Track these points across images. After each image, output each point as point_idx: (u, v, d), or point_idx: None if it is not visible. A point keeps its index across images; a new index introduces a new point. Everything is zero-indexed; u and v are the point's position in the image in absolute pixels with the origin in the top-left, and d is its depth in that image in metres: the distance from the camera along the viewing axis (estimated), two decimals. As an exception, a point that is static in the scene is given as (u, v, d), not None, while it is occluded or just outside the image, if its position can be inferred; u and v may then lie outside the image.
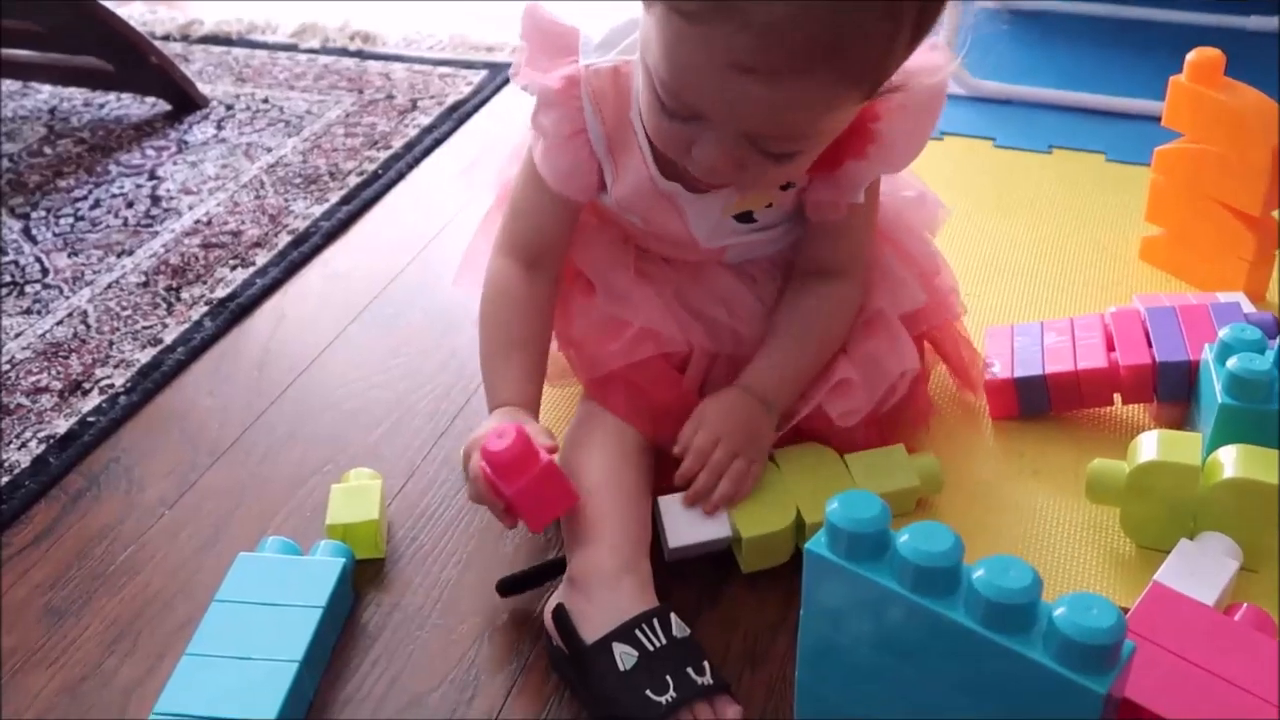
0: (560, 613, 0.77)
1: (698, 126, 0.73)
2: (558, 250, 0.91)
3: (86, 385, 1.09)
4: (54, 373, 1.10)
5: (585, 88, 0.84)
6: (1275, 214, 1.10)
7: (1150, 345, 0.96)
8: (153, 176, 1.44)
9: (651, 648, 0.74)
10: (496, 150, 1.03)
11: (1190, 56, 1.10)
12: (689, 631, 0.76)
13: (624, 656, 0.73)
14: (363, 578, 0.88)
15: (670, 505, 0.85)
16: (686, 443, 0.85)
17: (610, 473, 0.85)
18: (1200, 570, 0.80)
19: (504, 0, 1.89)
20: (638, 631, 0.74)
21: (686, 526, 0.84)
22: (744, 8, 0.65)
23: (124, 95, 1.64)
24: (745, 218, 0.88)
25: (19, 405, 1.06)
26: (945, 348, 0.99)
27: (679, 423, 0.87)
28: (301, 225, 1.33)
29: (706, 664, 0.74)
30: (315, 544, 0.87)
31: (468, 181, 1.03)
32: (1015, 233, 1.25)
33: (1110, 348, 0.98)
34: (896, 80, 0.75)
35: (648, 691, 0.72)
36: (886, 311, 0.92)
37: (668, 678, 0.72)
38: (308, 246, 1.29)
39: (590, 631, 0.76)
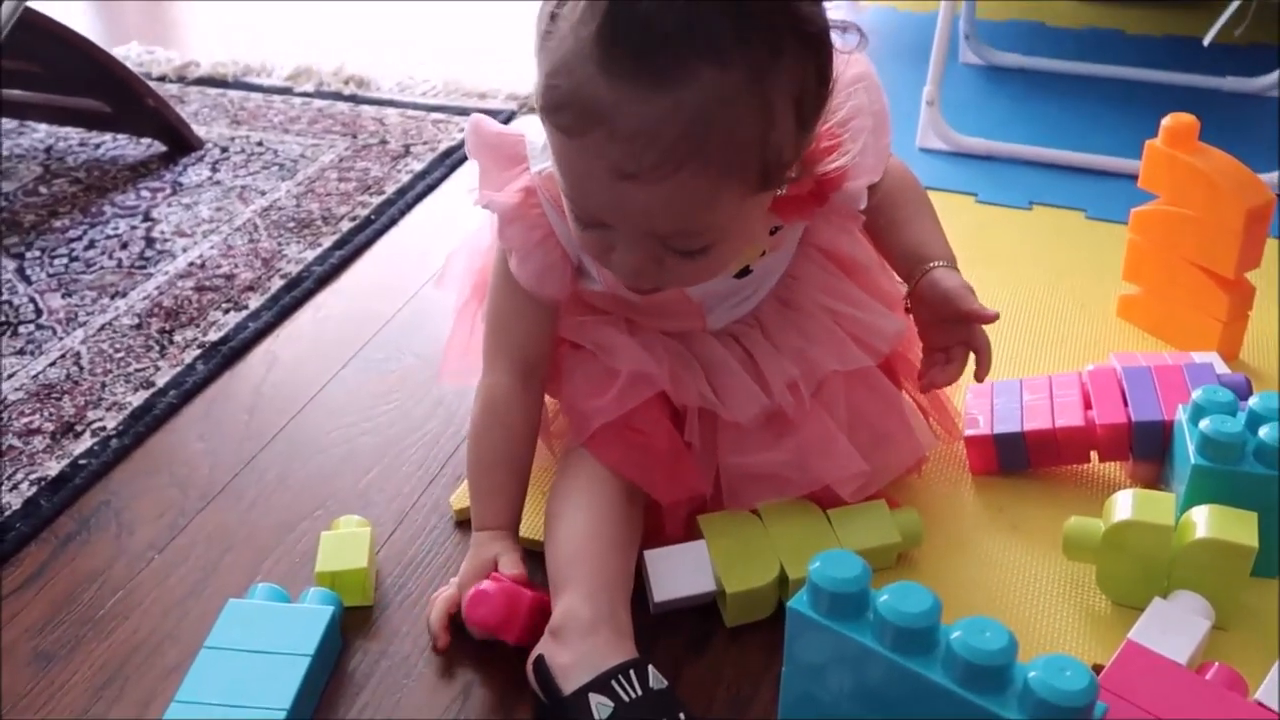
0: (539, 664, 0.78)
1: (609, 233, 0.77)
2: (546, 353, 0.93)
3: (79, 427, 1.10)
4: (46, 414, 1.11)
5: (542, 194, 0.87)
6: (1248, 275, 1.13)
7: (1126, 404, 0.98)
8: (147, 218, 1.46)
9: (627, 698, 0.75)
10: (464, 246, 1.05)
11: (1165, 122, 1.13)
12: (666, 684, 0.77)
13: (599, 707, 0.74)
14: (351, 625, 0.89)
15: (657, 559, 0.86)
16: (980, 344, 0.90)
17: (593, 523, 0.86)
18: (1173, 628, 0.81)
19: (497, 47, 1.94)
20: (614, 682, 0.75)
21: (672, 580, 0.86)
22: (610, 116, 0.69)
23: (120, 136, 1.66)
24: (743, 273, 0.90)
25: (11, 446, 1.07)
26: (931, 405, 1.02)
27: (674, 472, 0.89)
28: (294, 269, 1.34)
29: (683, 715, 0.75)
30: (304, 591, 0.88)
31: (440, 284, 1.06)
32: (996, 287, 1.27)
33: (1088, 406, 1.00)
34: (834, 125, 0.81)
35: None
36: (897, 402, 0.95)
37: None
38: (300, 291, 1.30)
39: (568, 683, 0.76)
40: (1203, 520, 0.84)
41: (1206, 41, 1.49)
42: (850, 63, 0.83)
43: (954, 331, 0.91)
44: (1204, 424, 0.87)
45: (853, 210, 0.90)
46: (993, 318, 0.89)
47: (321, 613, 0.85)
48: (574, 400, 0.91)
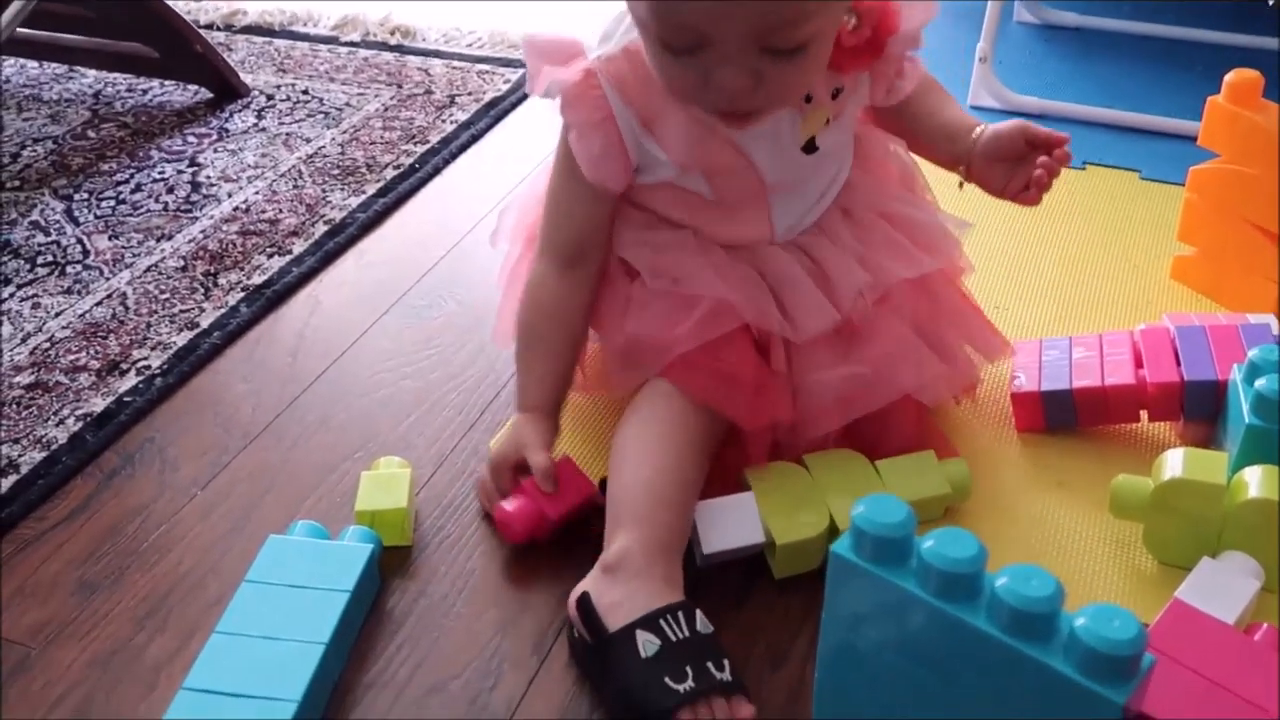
0: (585, 601, 0.78)
1: (705, 56, 0.76)
2: (596, 247, 0.92)
3: (124, 366, 1.10)
4: (92, 352, 1.12)
5: (603, 78, 0.86)
6: (1309, 237, 1.10)
7: (1179, 364, 0.96)
8: (193, 163, 1.46)
9: (675, 638, 0.75)
10: (516, 202, 1.05)
11: (1229, 77, 1.10)
12: (713, 629, 0.77)
13: (646, 644, 0.74)
14: (389, 565, 0.89)
15: (705, 511, 0.86)
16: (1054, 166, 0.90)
17: (662, 466, 0.84)
18: (1221, 589, 0.80)
19: (543, 0, 1.92)
20: (662, 621, 0.75)
21: (721, 532, 0.85)
22: None
23: (167, 82, 1.66)
24: (810, 148, 0.90)
25: (58, 383, 1.08)
26: None
27: (758, 398, 0.87)
28: (338, 216, 1.34)
29: (726, 662, 0.75)
30: (344, 529, 0.89)
31: (493, 241, 1.05)
32: (1048, 247, 1.26)
33: (1139, 365, 0.98)
34: None
35: (666, 679, 0.73)
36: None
37: (687, 668, 0.73)
38: (343, 237, 1.30)
39: (614, 619, 0.77)
40: (1256, 480, 0.82)
41: (1272, 1, 1.45)
42: None
43: (1024, 172, 0.92)
44: (1260, 383, 0.85)
45: (901, 70, 0.91)
46: (1065, 139, 0.91)
47: (360, 550, 0.85)
48: (648, 333, 0.89)
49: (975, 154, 0.94)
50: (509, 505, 0.88)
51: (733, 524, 0.86)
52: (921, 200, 1.00)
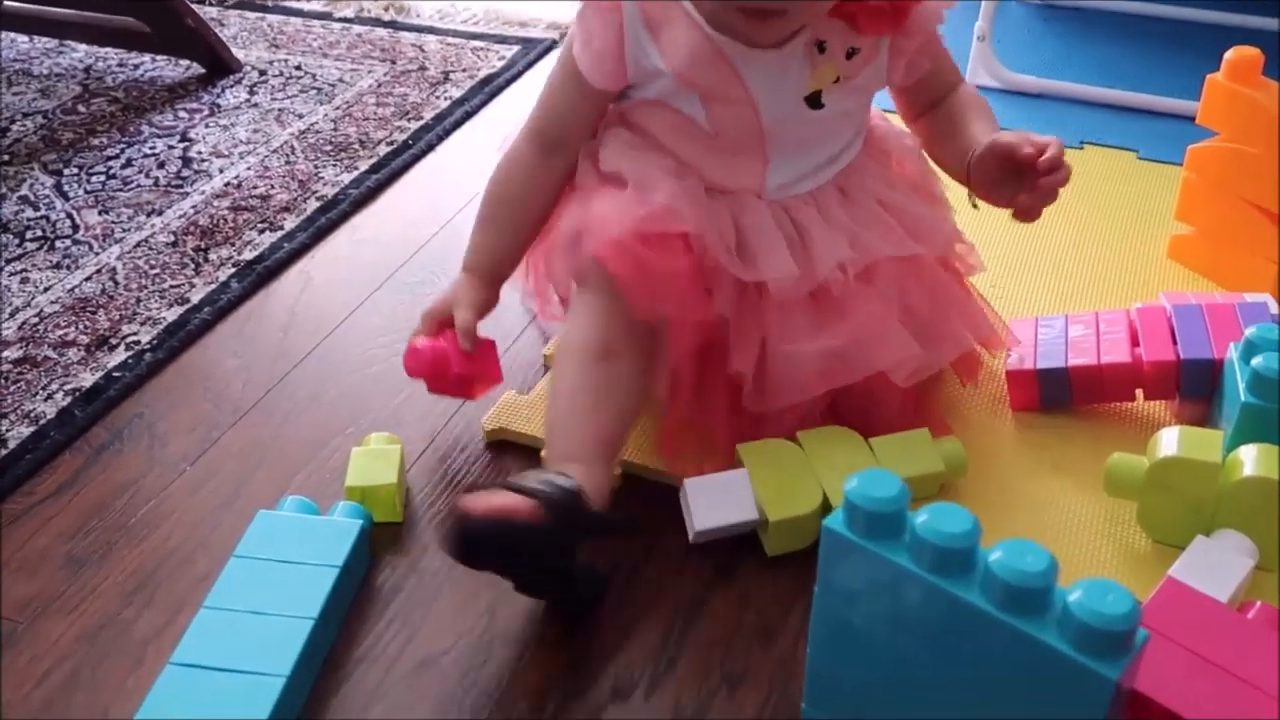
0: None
1: None
2: (574, 139, 0.94)
3: (113, 341, 1.10)
4: (81, 327, 1.11)
5: None
6: (1307, 216, 1.10)
7: (1175, 342, 0.95)
8: (184, 138, 1.45)
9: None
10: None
11: (1229, 55, 1.09)
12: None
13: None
14: (380, 541, 0.88)
15: (697, 488, 0.85)
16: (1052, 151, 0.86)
17: (580, 382, 0.85)
18: (1215, 567, 0.79)
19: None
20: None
21: (713, 509, 0.85)
22: None
23: (158, 57, 1.64)
24: (815, 102, 0.89)
25: (46, 358, 1.07)
26: None
27: (685, 298, 0.86)
28: (330, 192, 1.33)
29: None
30: (334, 505, 0.88)
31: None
32: (1043, 227, 1.22)
33: (1135, 343, 0.97)
34: None
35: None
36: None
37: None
38: (336, 213, 1.29)
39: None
40: (1251, 459, 0.82)
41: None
42: None
43: (1022, 183, 0.88)
44: (1256, 361, 0.84)
45: (923, 42, 0.90)
46: (1053, 162, 0.86)
47: (350, 526, 0.85)
48: (594, 217, 0.88)
49: (978, 156, 0.92)
50: (420, 342, 0.93)
51: (726, 501, 0.85)
52: (931, 202, 0.98)
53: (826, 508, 0.85)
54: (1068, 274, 1.17)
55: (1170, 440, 0.85)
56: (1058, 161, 0.86)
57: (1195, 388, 0.94)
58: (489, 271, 0.96)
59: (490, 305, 0.96)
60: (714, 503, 0.85)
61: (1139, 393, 0.97)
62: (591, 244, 0.87)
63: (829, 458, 0.87)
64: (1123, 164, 1.37)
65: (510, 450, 0.97)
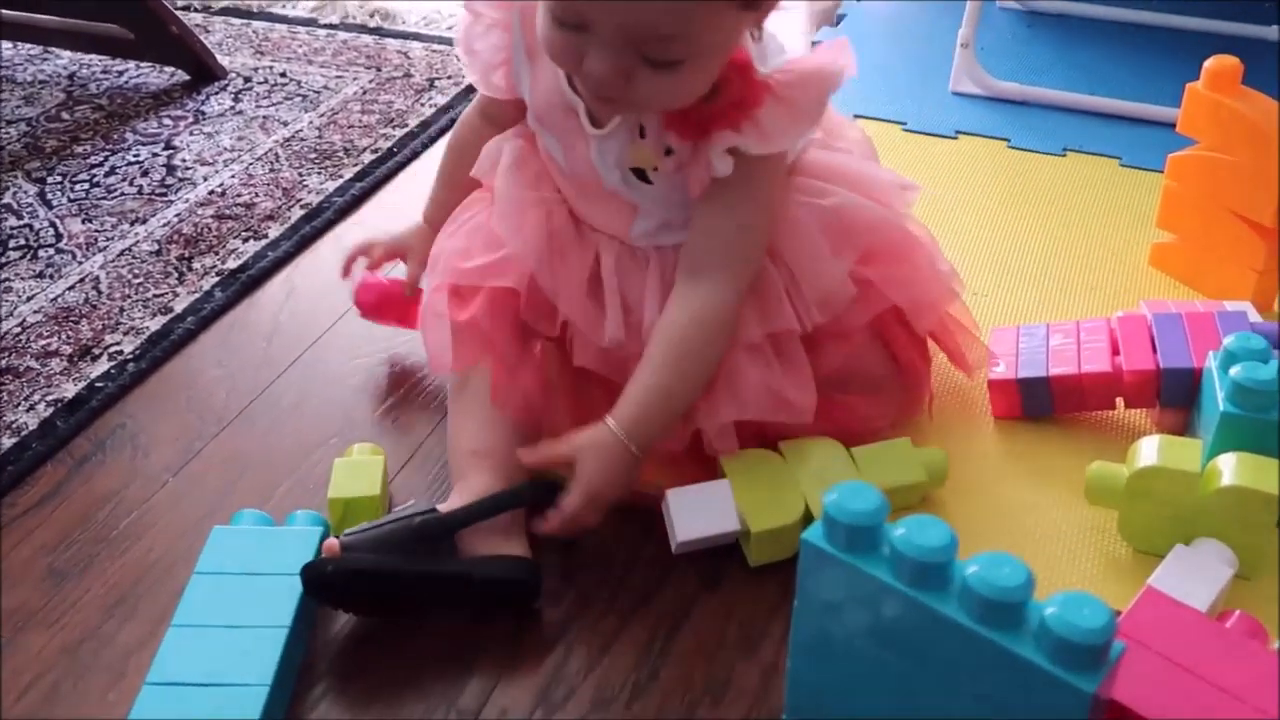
0: None
1: (586, 38, 0.77)
2: (510, 118, 0.97)
3: (96, 351, 1.09)
4: (64, 337, 1.11)
5: (515, 7, 0.89)
6: (1287, 224, 1.10)
7: (1155, 351, 0.96)
8: (169, 146, 1.45)
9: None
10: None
11: (1208, 64, 1.10)
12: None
13: None
14: (363, 552, 0.88)
15: (679, 498, 0.85)
16: (565, 509, 0.83)
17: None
18: (1195, 576, 0.80)
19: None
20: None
21: (695, 520, 0.85)
22: None
23: (143, 64, 1.64)
24: (642, 176, 0.88)
25: (28, 368, 1.07)
26: (941, 336, 0.98)
27: (499, 353, 0.91)
28: (315, 200, 1.33)
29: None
30: (290, 514, 0.88)
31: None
32: (1026, 233, 1.26)
33: (1115, 352, 0.98)
34: (785, 71, 0.83)
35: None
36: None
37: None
38: (320, 221, 1.29)
39: None
40: (1229, 468, 0.82)
41: (1253, -13, 1.45)
42: (840, 45, 0.89)
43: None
44: (1235, 371, 0.85)
45: (706, 168, 0.85)
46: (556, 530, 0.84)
47: (310, 534, 0.85)
48: (438, 254, 0.95)
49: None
50: (370, 278, 1.06)
51: (708, 512, 0.85)
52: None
53: (808, 518, 0.85)
54: (1051, 280, 1.18)
55: (1150, 449, 0.85)
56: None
57: (1175, 396, 0.94)
58: (441, 223, 1.00)
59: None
60: (696, 514, 0.85)
61: (1120, 401, 0.98)
62: (436, 277, 0.94)
63: (811, 468, 0.88)
64: (1105, 171, 1.38)
65: (493, 460, 0.96)
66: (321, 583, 0.79)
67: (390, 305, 1.07)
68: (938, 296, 0.95)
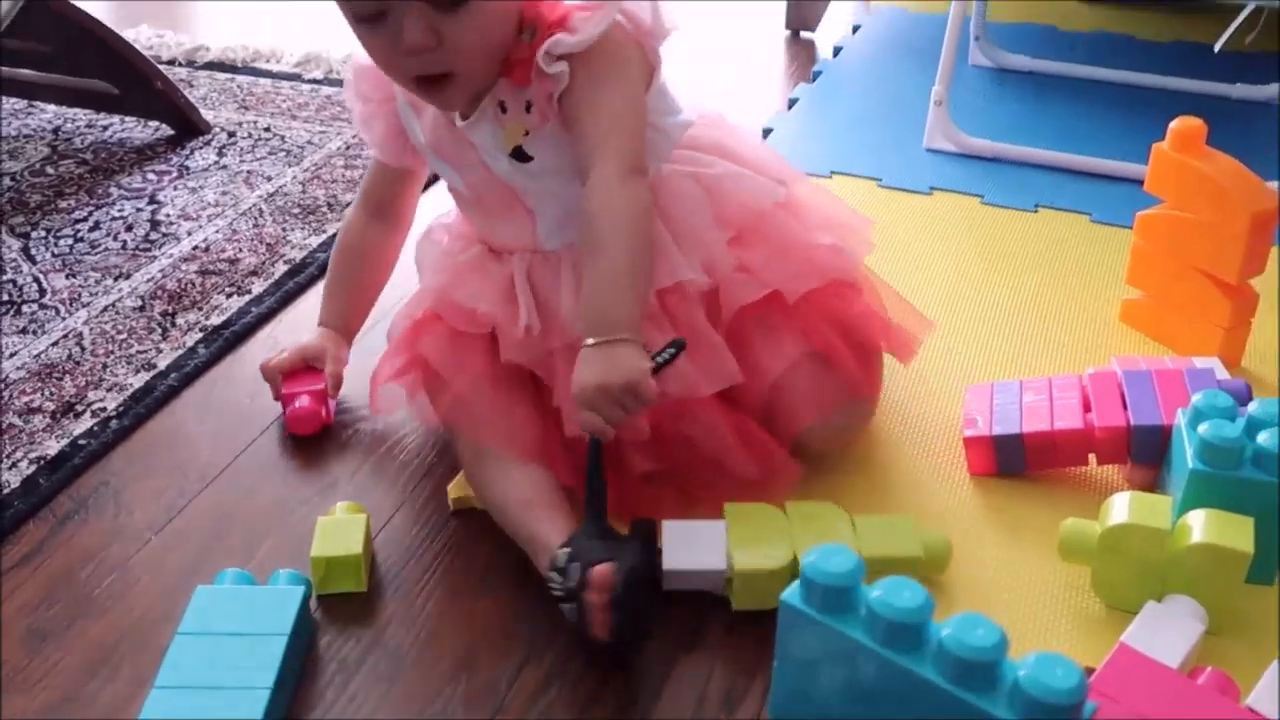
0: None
1: (389, 22, 0.86)
2: (396, 203, 1.09)
3: (79, 407, 1.10)
4: (47, 394, 1.12)
5: (398, 89, 0.99)
6: (1251, 282, 1.13)
7: (1126, 408, 0.98)
8: (153, 201, 1.46)
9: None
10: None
11: (1173, 125, 1.13)
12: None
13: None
14: (344, 612, 0.89)
15: (673, 531, 0.88)
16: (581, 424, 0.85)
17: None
18: (1166, 633, 0.81)
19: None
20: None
21: (684, 552, 0.87)
22: None
23: (127, 118, 1.66)
24: (521, 155, 0.95)
25: (11, 425, 1.07)
26: (845, 312, 1.00)
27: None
28: (298, 255, 1.35)
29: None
30: (273, 573, 0.88)
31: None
32: (999, 289, 1.28)
33: (1087, 408, 1.00)
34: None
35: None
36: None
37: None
38: (304, 277, 1.31)
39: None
40: (1199, 525, 0.84)
41: (1217, 48, 1.49)
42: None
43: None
44: (1203, 428, 0.87)
45: (552, 84, 0.91)
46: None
47: (292, 593, 0.85)
48: (400, 316, 1.02)
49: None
50: (300, 405, 1.06)
51: (698, 547, 0.88)
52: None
53: (796, 570, 0.86)
54: (1023, 336, 1.20)
55: (1121, 506, 0.87)
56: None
57: (1146, 453, 0.96)
58: (342, 327, 1.10)
59: (347, 359, 1.10)
60: (686, 547, 0.88)
61: (1092, 457, 1.00)
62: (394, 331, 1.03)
63: (808, 526, 0.90)
64: (1076, 227, 1.41)
65: (475, 518, 0.97)
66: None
67: (318, 419, 1.07)
68: (815, 269, 0.98)
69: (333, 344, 1.09)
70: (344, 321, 1.10)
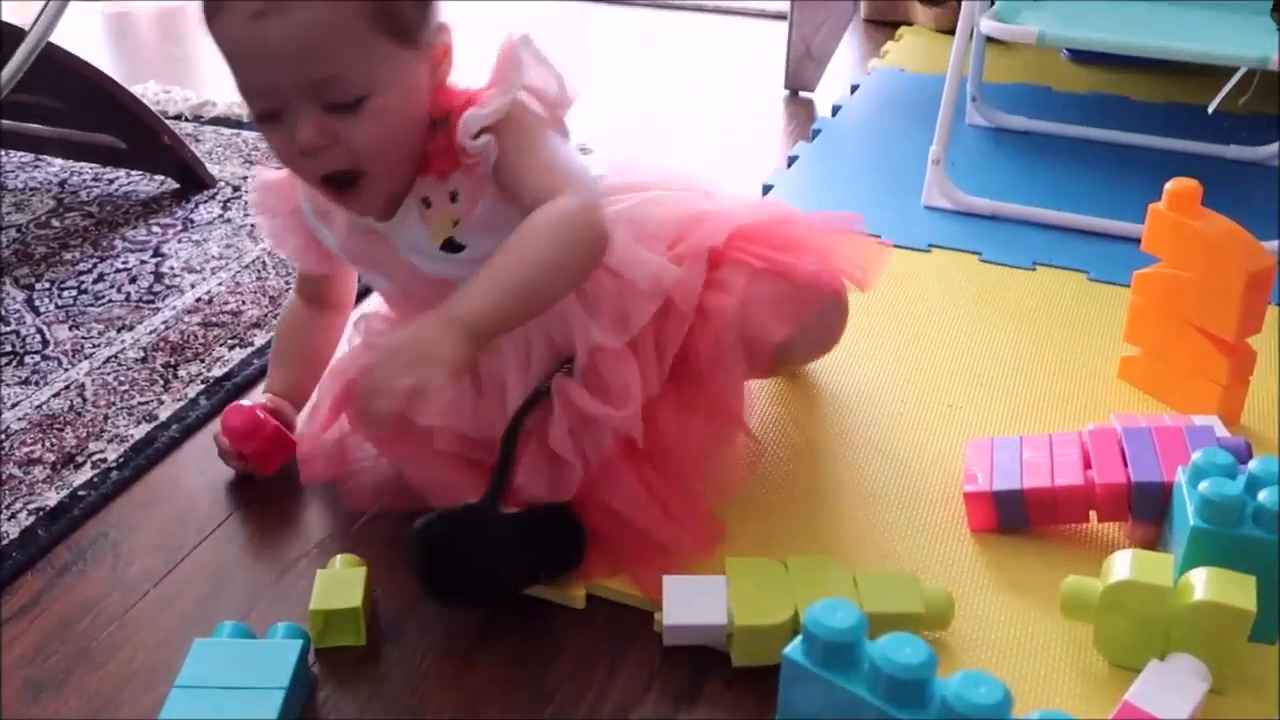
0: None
1: (286, 120, 0.86)
2: (326, 297, 1.11)
3: (79, 459, 1.10)
4: (48, 444, 1.12)
5: (303, 196, 1.01)
6: (1249, 340, 1.13)
7: (1126, 465, 0.98)
8: (157, 253, 1.47)
9: None
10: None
11: (1169, 186, 1.14)
12: None
13: None
14: (344, 664, 0.88)
15: (674, 585, 0.88)
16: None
17: None
18: (1170, 691, 0.81)
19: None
20: None
21: (685, 607, 0.87)
22: None
23: (134, 172, 1.67)
24: (452, 246, 0.95)
25: (11, 476, 1.07)
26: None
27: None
28: (301, 308, 1.35)
29: None
30: (271, 627, 0.88)
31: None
32: (998, 346, 1.29)
33: (1087, 465, 1.00)
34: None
35: None
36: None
37: None
38: (306, 329, 1.31)
39: None
40: (1201, 583, 0.84)
41: (1211, 110, 1.51)
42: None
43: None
44: (1203, 486, 0.87)
45: (482, 158, 0.91)
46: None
47: (290, 646, 0.85)
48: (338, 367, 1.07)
49: None
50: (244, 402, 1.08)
51: (698, 602, 0.87)
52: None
53: (797, 626, 0.86)
54: (1022, 393, 1.20)
55: (1123, 564, 0.87)
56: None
57: (1147, 510, 0.96)
58: (288, 395, 1.10)
59: (295, 423, 1.09)
60: (687, 601, 0.88)
61: (1093, 514, 1.00)
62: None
63: (809, 581, 0.89)
64: (1074, 285, 1.42)
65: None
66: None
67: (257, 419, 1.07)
68: (737, 217, 1.03)
69: (284, 402, 1.10)
70: (288, 390, 1.11)
